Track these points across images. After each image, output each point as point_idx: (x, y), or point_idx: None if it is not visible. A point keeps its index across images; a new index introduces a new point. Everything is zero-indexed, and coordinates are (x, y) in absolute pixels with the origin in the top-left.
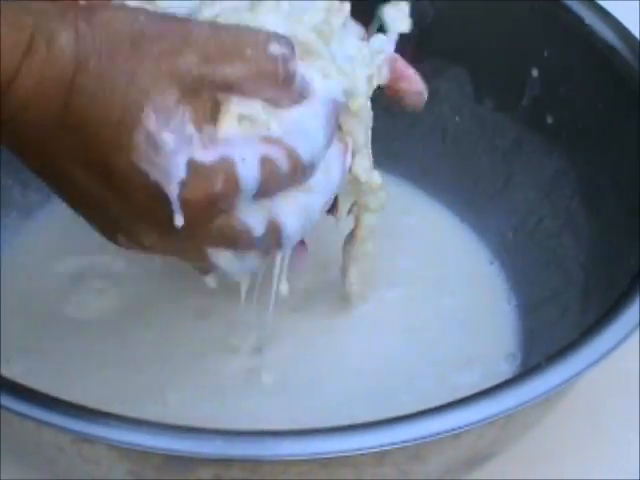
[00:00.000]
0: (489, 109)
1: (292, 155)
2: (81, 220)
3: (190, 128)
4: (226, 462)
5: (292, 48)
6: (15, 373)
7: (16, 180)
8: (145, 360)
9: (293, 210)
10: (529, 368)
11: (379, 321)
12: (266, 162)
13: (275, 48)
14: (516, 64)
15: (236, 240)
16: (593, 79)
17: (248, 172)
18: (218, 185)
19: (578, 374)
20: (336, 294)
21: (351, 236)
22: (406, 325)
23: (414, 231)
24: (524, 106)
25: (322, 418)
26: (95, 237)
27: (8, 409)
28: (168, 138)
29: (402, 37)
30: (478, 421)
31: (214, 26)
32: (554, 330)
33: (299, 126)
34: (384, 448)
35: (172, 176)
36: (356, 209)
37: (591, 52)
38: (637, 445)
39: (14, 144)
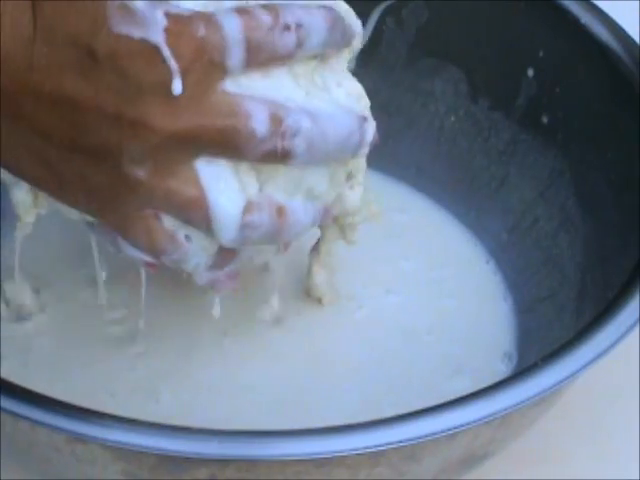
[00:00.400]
0: (484, 109)
1: (272, 9)
2: None
3: None
4: (222, 462)
5: None
6: (4, 368)
7: None
8: (137, 356)
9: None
10: (524, 368)
11: (374, 322)
12: (244, 13)
13: None
14: (511, 64)
15: (236, 127)
16: (589, 79)
17: (228, 21)
18: (201, 29)
19: (574, 374)
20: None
21: (316, 248)
22: (402, 325)
23: (410, 230)
24: (519, 106)
25: (317, 419)
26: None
27: (2, 409)
28: (139, 3)
29: (397, 37)
30: (474, 421)
31: None
32: (549, 330)
33: None
34: (380, 448)
35: (154, 25)
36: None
37: (587, 52)
38: (636, 445)
39: None
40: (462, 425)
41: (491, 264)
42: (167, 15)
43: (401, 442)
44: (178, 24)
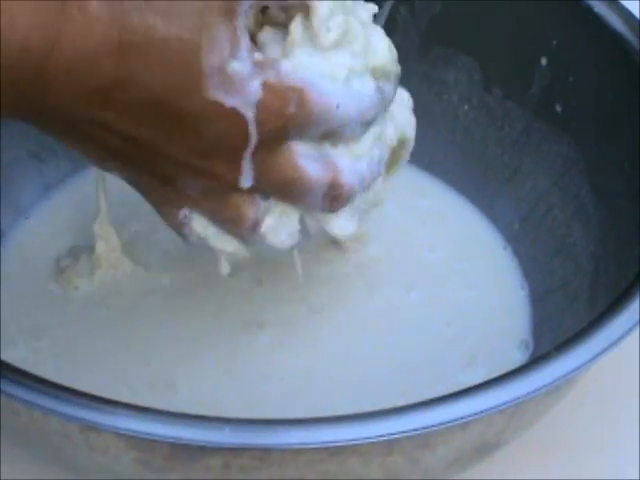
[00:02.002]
0: (498, 98)
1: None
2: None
3: (258, 55)
4: (235, 451)
5: None
6: (18, 357)
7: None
8: (154, 348)
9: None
10: (538, 357)
11: (392, 310)
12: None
13: None
14: (525, 53)
15: (294, 182)
16: (602, 68)
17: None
18: (292, 107)
19: (587, 363)
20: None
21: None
22: (422, 317)
23: (432, 216)
24: (533, 95)
25: (330, 409)
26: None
27: (15, 397)
28: (237, 66)
29: (411, 26)
30: (487, 410)
31: None
32: (563, 318)
33: None
34: (393, 437)
35: (248, 96)
36: None
37: (600, 41)
38: None
39: (56, 114)
40: (476, 414)
41: (508, 250)
42: (264, 86)
43: (415, 430)
44: (273, 99)
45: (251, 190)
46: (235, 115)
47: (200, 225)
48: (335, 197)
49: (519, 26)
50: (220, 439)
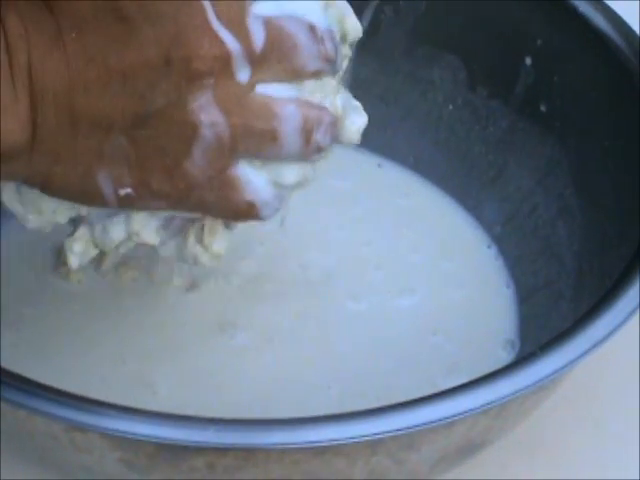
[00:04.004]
0: (483, 97)
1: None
2: None
3: None
4: (219, 450)
5: None
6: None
7: None
8: (132, 349)
9: None
10: (522, 357)
11: (375, 313)
12: None
13: None
14: (510, 52)
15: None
16: (587, 68)
17: None
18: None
19: (572, 362)
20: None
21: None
22: (405, 316)
23: (416, 216)
24: (518, 94)
25: (305, 412)
26: None
27: (1, 398)
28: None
29: (396, 26)
30: (471, 410)
31: None
32: (548, 318)
33: None
34: (378, 437)
35: None
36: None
37: (585, 41)
38: (636, 432)
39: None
40: (460, 414)
41: (493, 249)
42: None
43: (399, 430)
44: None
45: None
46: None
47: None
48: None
49: (504, 25)
50: (205, 439)
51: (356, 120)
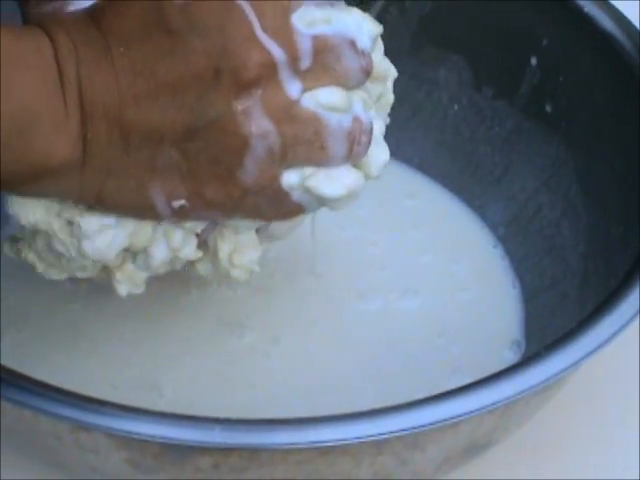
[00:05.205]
0: (488, 97)
1: None
2: None
3: None
4: (224, 450)
5: None
6: (3, 348)
7: None
8: (138, 349)
9: None
10: (527, 357)
11: (382, 315)
12: None
13: None
14: (515, 52)
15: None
16: (592, 68)
17: None
18: None
19: (577, 363)
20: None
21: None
22: (412, 317)
23: (416, 214)
24: (523, 95)
25: (309, 412)
26: None
27: (5, 397)
28: None
29: (401, 26)
30: (477, 409)
31: None
32: (553, 318)
33: None
34: (383, 437)
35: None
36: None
37: (590, 41)
38: (637, 431)
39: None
40: (465, 414)
41: (498, 249)
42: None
43: (404, 430)
44: None
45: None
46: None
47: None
48: (356, 138)
49: (509, 26)
50: (210, 439)
51: (382, 155)
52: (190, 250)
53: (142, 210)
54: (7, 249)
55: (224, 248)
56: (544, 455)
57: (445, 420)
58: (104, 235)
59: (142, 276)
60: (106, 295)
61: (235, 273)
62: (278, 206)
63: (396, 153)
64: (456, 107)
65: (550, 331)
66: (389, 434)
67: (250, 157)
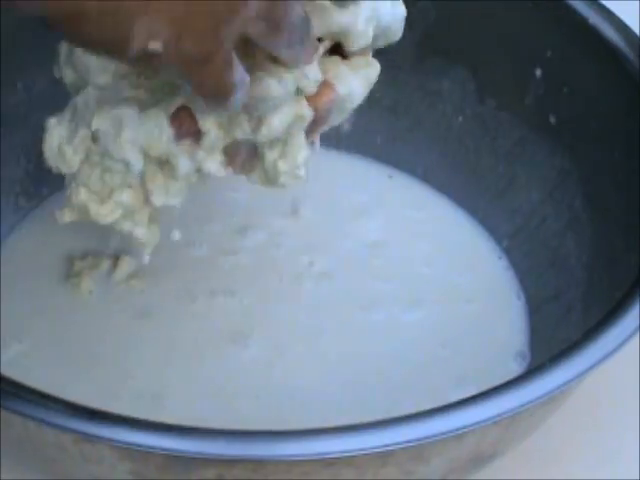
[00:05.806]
0: (492, 109)
1: None
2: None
3: None
4: (229, 462)
5: None
6: (6, 359)
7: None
8: (142, 361)
9: None
10: (532, 369)
11: (387, 326)
12: None
13: None
14: (519, 64)
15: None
16: (597, 79)
17: None
18: None
19: (582, 374)
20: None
21: None
22: (417, 329)
23: (421, 225)
24: (527, 106)
25: (315, 424)
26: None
27: (9, 409)
28: None
29: (405, 37)
30: (482, 421)
31: None
32: (558, 329)
33: None
34: (387, 448)
35: None
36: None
37: (595, 52)
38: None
39: None
40: (470, 425)
41: (503, 260)
42: None
43: (409, 442)
44: None
45: None
46: None
47: None
48: None
49: (513, 37)
50: (214, 450)
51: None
52: (213, 165)
53: (114, 45)
54: (60, 216)
55: (269, 156)
56: (549, 466)
57: (450, 432)
58: None
59: (176, 185)
60: (109, 306)
61: (282, 179)
62: (219, 78)
63: (400, 164)
64: (460, 118)
65: (555, 342)
66: (394, 446)
67: (241, 15)
